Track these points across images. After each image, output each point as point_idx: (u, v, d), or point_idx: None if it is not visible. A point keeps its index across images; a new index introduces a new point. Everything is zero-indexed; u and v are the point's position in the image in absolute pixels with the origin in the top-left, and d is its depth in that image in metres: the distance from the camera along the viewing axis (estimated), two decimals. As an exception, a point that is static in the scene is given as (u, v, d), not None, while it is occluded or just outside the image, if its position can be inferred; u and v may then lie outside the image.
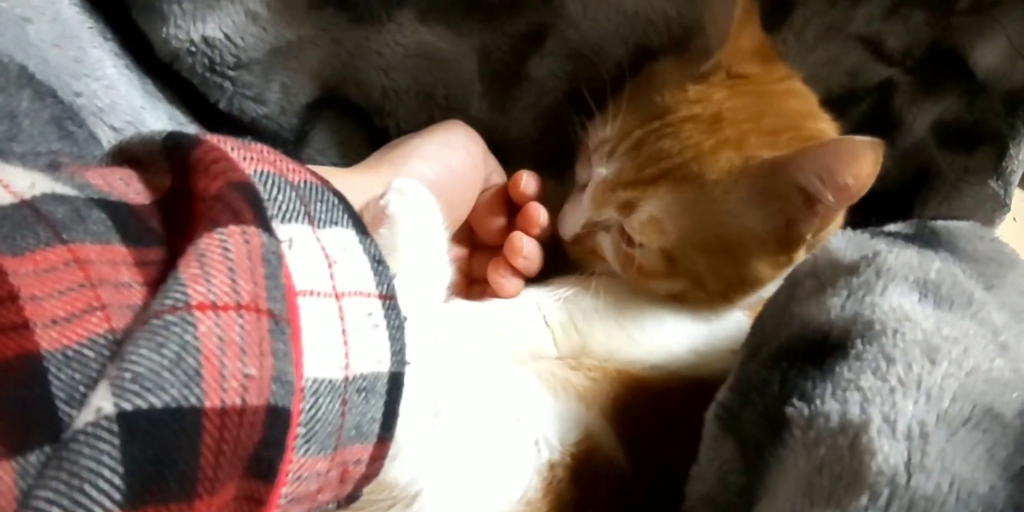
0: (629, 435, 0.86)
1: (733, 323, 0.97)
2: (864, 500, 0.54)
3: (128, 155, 0.63)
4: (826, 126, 0.94)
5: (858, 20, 1.06)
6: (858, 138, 0.79)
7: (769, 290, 0.90)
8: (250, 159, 0.59)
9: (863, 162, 0.80)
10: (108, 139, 0.91)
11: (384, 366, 0.61)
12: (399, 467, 0.71)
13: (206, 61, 1.00)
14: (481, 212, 0.97)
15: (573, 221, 0.97)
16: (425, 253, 0.79)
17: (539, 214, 0.96)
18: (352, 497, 0.66)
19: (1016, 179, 1.11)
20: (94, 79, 0.92)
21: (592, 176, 0.95)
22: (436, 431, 0.77)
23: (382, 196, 0.78)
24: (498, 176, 0.97)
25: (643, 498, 0.83)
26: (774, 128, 0.90)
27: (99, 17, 0.98)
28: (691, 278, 0.92)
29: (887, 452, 0.55)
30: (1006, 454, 0.56)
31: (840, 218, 0.93)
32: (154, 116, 1.00)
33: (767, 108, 0.92)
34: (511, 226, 0.99)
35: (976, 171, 1.12)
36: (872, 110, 1.14)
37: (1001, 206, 1.12)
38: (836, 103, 1.06)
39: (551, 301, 0.96)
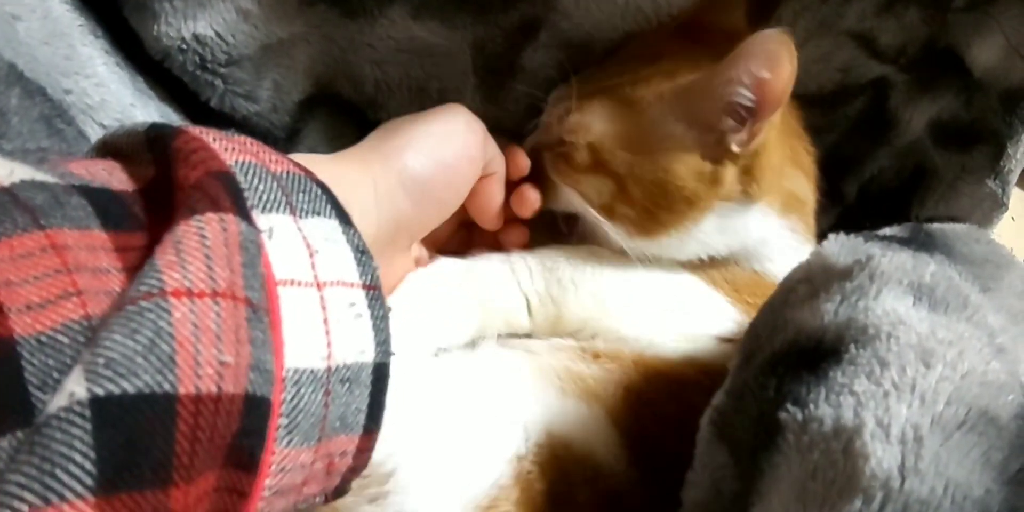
0: (635, 436, 0.86)
1: (710, 305, 0.98)
2: (858, 504, 0.54)
3: (112, 148, 0.63)
4: None
5: (850, 16, 1.07)
6: (758, 34, 0.81)
7: (714, 242, 0.95)
8: (231, 149, 0.59)
9: (776, 54, 0.81)
10: (97, 137, 0.89)
11: (368, 356, 0.62)
12: (384, 450, 0.72)
13: (197, 59, 1.00)
14: (479, 199, 0.96)
15: (526, 145, 1.01)
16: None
17: (532, 197, 0.99)
18: (340, 490, 0.66)
19: (1014, 178, 1.11)
20: (84, 77, 0.92)
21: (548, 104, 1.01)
22: (412, 411, 0.78)
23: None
24: (498, 162, 0.96)
25: (645, 502, 0.83)
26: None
27: (89, 15, 0.98)
28: (615, 179, 0.93)
29: (881, 456, 0.55)
30: (1001, 457, 0.56)
31: (802, 185, 0.98)
32: (144, 114, 1.00)
33: (707, 59, 0.93)
34: (507, 210, 1.00)
35: (973, 170, 1.13)
36: (867, 108, 1.15)
37: (999, 205, 1.13)
38: (828, 99, 1.07)
39: (529, 270, 0.97)
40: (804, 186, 1.01)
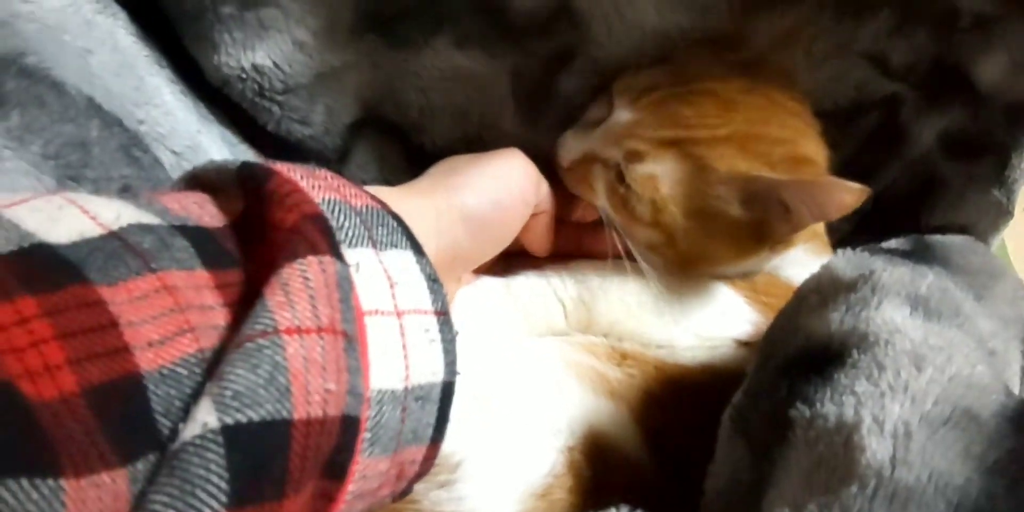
0: (654, 432, 0.92)
1: (730, 308, 1.03)
2: (854, 489, 0.60)
3: (202, 180, 0.68)
4: (817, 150, 1.00)
5: (864, 38, 1.09)
6: (849, 184, 0.86)
7: (732, 271, 1.01)
8: (317, 187, 0.64)
9: (848, 203, 0.87)
10: (170, 163, 0.95)
11: (438, 377, 0.66)
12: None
13: (256, 87, 1.05)
14: (531, 234, 1.01)
15: (576, 147, 1.02)
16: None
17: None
18: (405, 492, 0.71)
19: (1019, 188, 1.13)
20: (154, 106, 0.96)
21: (612, 115, 1.00)
22: (475, 410, 0.85)
23: None
24: (548, 202, 1.00)
25: (664, 491, 0.89)
26: (775, 138, 0.97)
27: (153, 45, 1.02)
28: (668, 234, 0.98)
29: (875, 448, 0.61)
30: (981, 450, 0.61)
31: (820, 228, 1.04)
32: (209, 139, 1.04)
33: (774, 117, 0.99)
34: (559, 243, 1.05)
35: (980, 180, 1.15)
36: (880, 123, 1.17)
37: (1005, 213, 1.15)
38: (844, 115, 1.09)
39: (562, 280, 1.03)
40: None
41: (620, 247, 1.01)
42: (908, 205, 1.22)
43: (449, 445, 0.74)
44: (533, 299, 1.02)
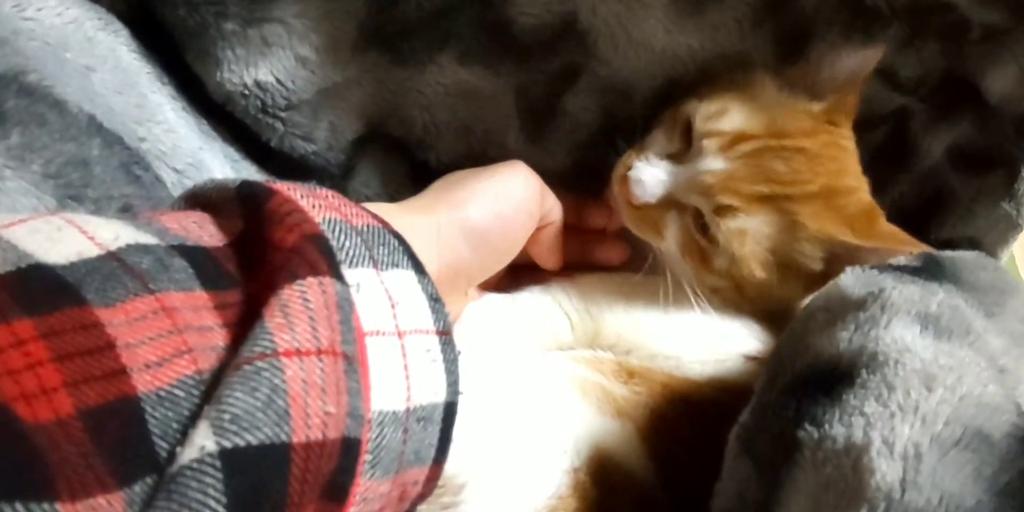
0: (660, 451, 0.91)
1: (738, 323, 1.03)
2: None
3: (201, 199, 0.67)
4: (863, 186, 1.03)
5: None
6: (915, 247, 0.92)
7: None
8: (318, 206, 0.63)
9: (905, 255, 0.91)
10: (172, 181, 0.94)
11: (440, 397, 0.66)
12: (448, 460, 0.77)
13: (259, 103, 1.04)
14: (539, 246, 1.01)
15: (656, 187, 0.99)
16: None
17: (623, 250, 1.07)
18: None
19: None
20: (155, 123, 0.96)
21: (698, 160, 0.97)
22: (480, 430, 0.83)
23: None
24: (556, 213, 1.00)
25: (672, 509, 0.88)
26: (850, 188, 1.00)
27: (155, 62, 1.02)
28: (738, 284, 0.99)
29: (885, 471, 0.60)
30: (992, 471, 0.61)
31: None
32: (212, 156, 1.04)
33: (847, 166, 1.01)
34: (568, 253, 1.05)
35: (989, 193, 1.15)
36: (889, 137, 1.17)
37: (1014, 226, 1.15)
38: (854, 129, 1.10)
39: (566, 293, 1.03)
40: None
41: (664, 269, 1.02)
42: (916, 219, 1.21)
43: (453, 466, 0.74)
44: (538, 313, 1.01)
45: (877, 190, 1.04)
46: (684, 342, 1.01)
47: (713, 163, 0.97)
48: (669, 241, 1.01)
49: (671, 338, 1.01)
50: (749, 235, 0.96)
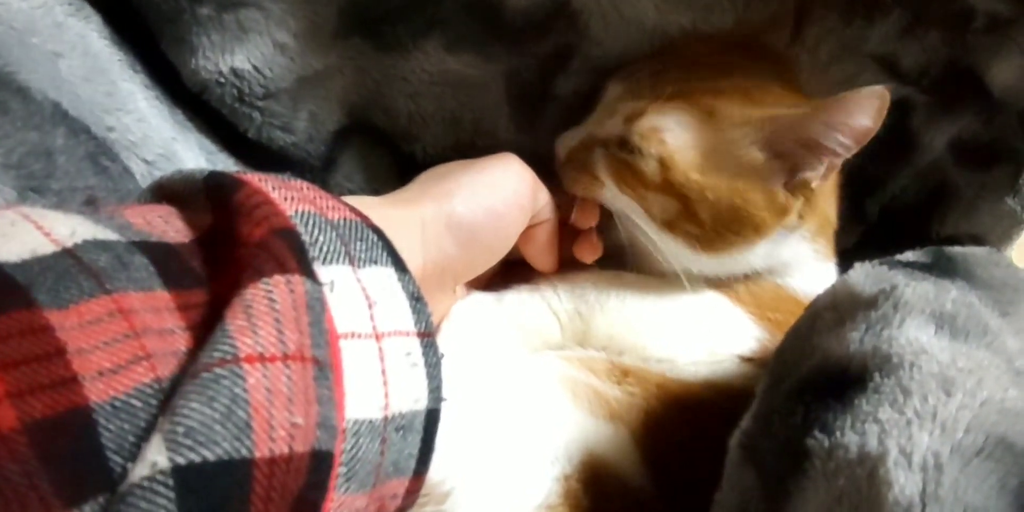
0: (655, 455, 0.87)
1: (734, 323, 1.00)
2: None
3: (168, 192, 0.64)
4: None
5: (873, 39, 1.07)
6: (866, 89, 0.84)
7: (757, 262, 0.98)
8: (291, 199, 0.60)
9: (880, 107, 0.85)
10: (141, 172, 0.92)
11: (421, 404, 0.62)
12: (432, 467, 0.73)
13: (235, 92, 1.02)
14: (533, 245, 0.97)
15: (572, 137, 1.01)
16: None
17: (596, 245, 1.01)
18: None
19: None
20: (126, 113, 0.93)
21: (605, 93, 1.01)
22: (468, 435, 0.80)
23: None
24: (549, 210, 0.96)
25: None
26: (780, 95, 0.96)
27: (128, 49, 0.99)
28: (683, 198, 0.94)
29: (903, 483, 0.56)
30: (1017, 482, 0.57)
31: (830, 207, 1.01)
32: (185, 147, 1.01)
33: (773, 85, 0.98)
34: (564, 252, 1.01)
35: (993, 188, 1.13)
36: (889, 129, 1.13)
37: (1018, 223, 1.13)
38: None
39: (556, 292, 0.99)
40: (834, 208, 1.03)
41: (629, 242, 0.99)
42: (918, 215, 1.21)
43: (439, 473, 0.72)
44: (527, 313, 0.98)
45: (876, 186, 1.04)
46: (678, 343, 0.97)
47: (615, 90, 1.01)
48: (605, 181, 0.97)
49: (664, 339, 0.97)
50: (664, 131, 0.93)
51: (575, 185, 0.99)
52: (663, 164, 0.92)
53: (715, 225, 0.94)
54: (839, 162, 0.90)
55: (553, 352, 0.97)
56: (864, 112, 0.85)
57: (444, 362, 0.66)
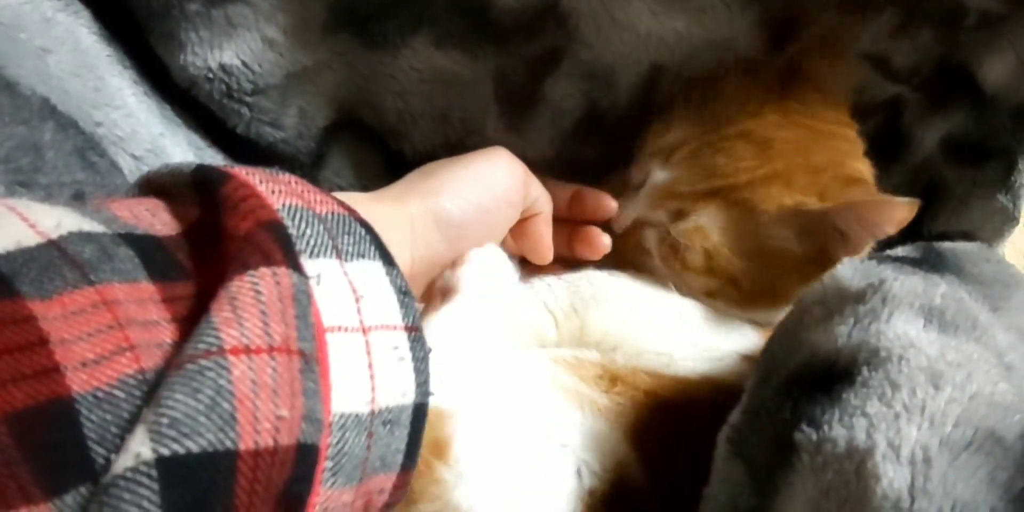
0: (648, 456, 0.87)
1: (734, 320, 1.01)
2: None
3: (155, 186, 0.64)
4: (864, 167, 1.00)
5: (865, 38, 1.07)
6: (897, 200, 0.87)
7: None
8: (278, 192, 0.60)
9: (901, 217, 0.87)
10: (129, 168, 0.91)
11: (409, 398, 0.62)
12: (464, 492, 0.74)
13: (223, 88, 1.02)
14: (527, 239, 0.97)
15: (626, 214, 1.02)
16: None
17: (603, 242, 1.01)
18: None
19: None
20: (114, 108, 0.93)
21: (649, 177, 1.00)
22: (494, 463, 0.78)
23: (453, 267, 0.83)
24: (542, 203, 0.96)
25: None
26: (817, 165, 0.96)
27: (117, 45, 0.99)
28: (727, 278, 0.97)
29: (891, 477, 0.56)
30: (1007, 476, 0.57)
31: None
32: (174, 142, 1.01)
33: (813, 145, 0.97)
34: (558, 245, 1.01)
35: (985, 185, 1.13)
36: (881, 127, 1.15)
37: (1010, 219, 1.13)
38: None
39: (551, 289, 0.99)
40: None
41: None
42: None
43: (467, 499, 0.73)
44: (519, 309, 0.97)
45: None
46: (675, 339, 0.98)
47: (659, 176, 1.00)
48: (654, 253, 1.01)
49: (660, 334, 0.98)
50: (707, 230, 0.95)
51: (633, 256, 1.03)
52: (708, 255, 0.96)
53: (753, 295, 0.98)
54: (861, 250, 0.93)
55: (543, 352, 0.96)
56: (886, 220, 0.88)
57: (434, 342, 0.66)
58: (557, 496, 0.80)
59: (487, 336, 0.87)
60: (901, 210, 0.86)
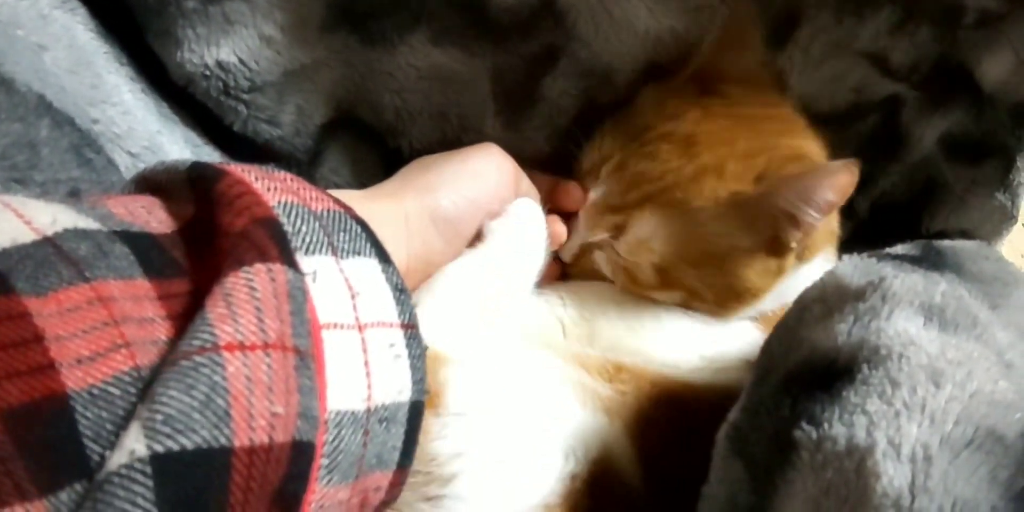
0: (648, 454, 0.87)
1: (740, 329, 1.00)
2: None
3: (151, 183, 0.64)
4: (806, 143, 0.99)
5: (864, 36, 1.07)
6: (833, 164, 0.87)
7: (769, 300, 0.96)
8: (274, 189, 0.60)
9: (846, 182, 0.85)
10: (126, 165, 0.91)
11: (405, 396, 0.62)
12: (446, 439, 0.74)
13: (220, 85, 1.01)
14: None
15: (571, 245, 1.02)
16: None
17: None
18: None
19: (1023, 191, 1.12)
20: (111, 105, 0.92)
21: (587, 200, 1.00)
22: (483, 419, 0.79)
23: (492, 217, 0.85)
24: (532, 198, 0.96)
25: None
26: (749, 150, 0.94)
27: (114, 42, 0.98)
28: (685, 290, 0.96)
29: (892, 475, 0.56)
30: (1007, 475, 0.57)
31: (833, 219, 1.00)
32: (170, 140, 1.00)
33: (741, 131, 0.96)
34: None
35: (983, 184, 1.13)
36: (879, 125, 1.15)
37: (1008, 218, 1.13)
38: (842, 118, 1.08)
39: (560, 298, 1.00)
40: (836, 218, 1.03)
41: None
42: (908, 210, 1.20)
43: (449, 447, 0.73)
44: (530, 316, 0.98)
45: (867, 182, 1.03)
46: (683, 350, 0.97)
47: (592, 194, 1.00)
48: (609, 275, 1.01)
49: (668, 346, 0.97)
50: (650, 241, 0.95)
51: (591, 277, 1.03)
52: (658, 270, 0.95)
53: (719, 300, 0.97)
54: (814, 230, 0.91)
55: (550, 350, 0.96)
56: (830, 188, 0.86)
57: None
58: (538, 468, 0.81)
59: (497, 289, 0.87)
60: (840, 174, 0.85)
